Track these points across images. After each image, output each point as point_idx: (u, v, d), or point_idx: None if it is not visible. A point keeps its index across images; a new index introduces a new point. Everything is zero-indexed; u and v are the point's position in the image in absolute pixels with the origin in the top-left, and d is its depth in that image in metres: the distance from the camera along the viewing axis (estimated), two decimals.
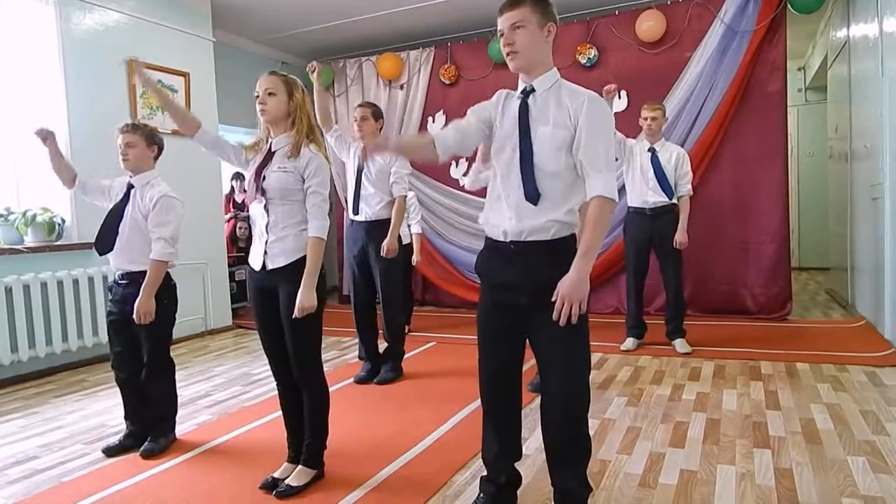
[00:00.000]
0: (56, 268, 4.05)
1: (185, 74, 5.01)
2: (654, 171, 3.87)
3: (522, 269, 1.77)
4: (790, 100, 5.23)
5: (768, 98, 4.86)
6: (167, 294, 2.65)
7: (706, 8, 4.98)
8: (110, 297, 2.71)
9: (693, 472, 2.28)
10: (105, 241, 2.64)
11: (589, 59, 5.35)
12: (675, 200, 3.92)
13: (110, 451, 2.65)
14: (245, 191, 2.30)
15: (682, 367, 3.63)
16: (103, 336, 4.29)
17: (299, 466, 2.25)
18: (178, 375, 3.91)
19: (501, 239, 1.81)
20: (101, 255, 2.70)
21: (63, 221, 4.18)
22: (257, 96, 2.18)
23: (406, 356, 3.85)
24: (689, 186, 3.95)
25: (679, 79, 5.05)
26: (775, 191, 4.86)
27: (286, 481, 2.21)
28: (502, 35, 1.80)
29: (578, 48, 5.35)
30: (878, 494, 2.05)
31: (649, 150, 3.93)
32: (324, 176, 2.20)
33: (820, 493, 2.08)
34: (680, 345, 3.98)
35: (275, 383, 2.36)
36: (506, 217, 1.80)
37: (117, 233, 2.63)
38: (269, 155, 2.21)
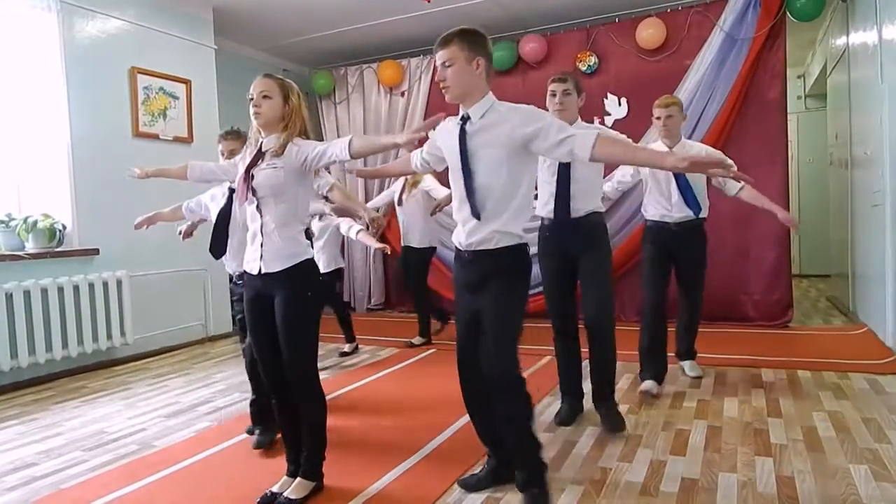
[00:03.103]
0: (57, 274, 4.05)
1: (186, 82, 5.03)
2: (677, 183, 3.20)
3: (474, 271, 2.10)
4: (790, 107, 5.24)
5: (768, 105, 4.87)
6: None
7: (705, 16, 5.00)
8: (234, 298, 2.87)
9: (695, 480, 2.27)
10: (218, 245, 2.69)
11: (589, 66, 5.36)
12: (703, 215, 3.32)
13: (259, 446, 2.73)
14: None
15: (682, 375, 3.61)
16: (103, 343, 4.29)
17: (298, 479, 2.22)
18: (177, 381, 3.94)
19: (461, 248, 2.13)
20: (216, 258, 2.76)
21: (64, 228, 4.19)
22: (251, 99, 2.16)
23: (406, 363, 3.84)
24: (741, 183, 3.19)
25: (679, 86, 5.06)
26: (776, 197, 4.79)
27: (285, 494, 2.17)
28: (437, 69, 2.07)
29: (578, 55, 5.36)
30: (880, 503, 2.04)
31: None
32: (311, 142, 2.16)
33: (822, 501, 2.07)
34: (689, 367, 3.62)
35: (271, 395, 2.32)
36: (461, 231, 2.11)
37: (227, 236, 2.66)
38: (259, 154, 2.18)
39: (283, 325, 2.14)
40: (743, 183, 3.11)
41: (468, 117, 2.05)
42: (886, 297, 4.00)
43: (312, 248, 2.31)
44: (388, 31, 5.90)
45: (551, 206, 2.77)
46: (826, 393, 3.20)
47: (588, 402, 2.94)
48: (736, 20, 4.85)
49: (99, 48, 4.43)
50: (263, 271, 2.16)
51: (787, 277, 4.91)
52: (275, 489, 2.24)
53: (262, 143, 2.20)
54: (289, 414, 2.27)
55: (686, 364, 3.63)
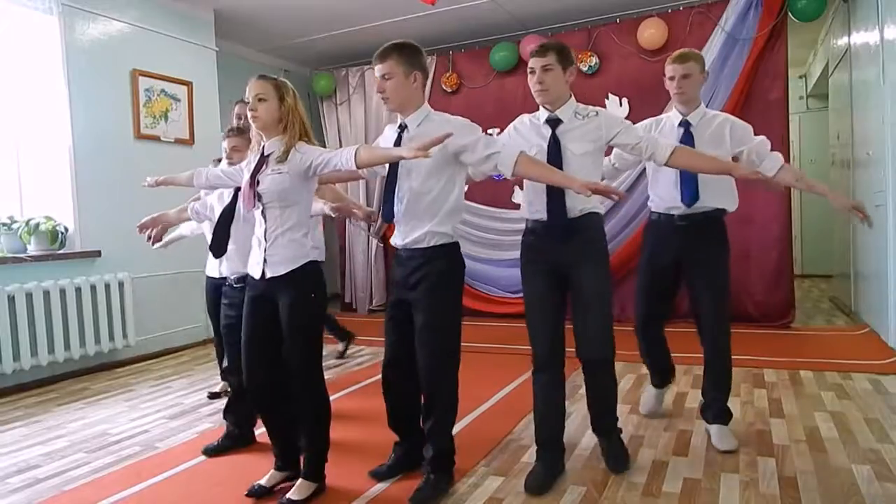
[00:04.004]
0: (59, 276, 4.05)
1: (188, 83, 5.04)
2: None
3: (409, 268, 2.23)
4: (792, 107, 5.23)
5: (770, 106, 4.86)
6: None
7: (707, 16, 5.00)
8: (226, 302, 2.71)
9: (697, 480, 2.26)
10: (220, 244, 2.63)
11: (590, 66, 5.36)
12: (725, 206, 2.60)
13: (209, 452, 2.70)
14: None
15: (685, 375, 3.61)
16: (106, 344, 4.30)
17: (300, 480, 2.21)
18: (180, 383, 3.95)
19: (399, 248, 2.27)
20: (216, 258, 2.73)
21: (66, 230, 4.19)
22: (247, 102, 2.16)
23: None
24: (779, 156, 2.45)
25: None
26: (777, 198, 4.85)
27: (287, 496, 2.17)
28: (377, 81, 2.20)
29: (580, 56, 5.36)
30: (882, 503, 2.03)
31: (681, 124, 2.56)
32: (315, 148, 2.15)
33: (824, 501, 2.07)
34: (717, 434, 2.56)
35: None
36: (398, 232, 2.26)
37: (229, 235, 2.62)
38: (263, 159, 2.18)
39: (288, 327, 2.14)
40: (782, 161, 2.45)
41: (405, 126, 2.23)
42: (889, 298, 4.00)
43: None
44: (389, 32, 5.89)
45: (539, 205, 2.28)
46: (828, 393, 3.20)
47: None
48: (737, 20, 4.84)
49: (100, 50, 4.44)
50: (268, 276, 2.16)
51: (789, 277, 4.91)
52: (262, 482, 2.27)
53: (264, 146, 2.20)
54: (277, 414, 2.29)
55: (713, 429, 2.60)
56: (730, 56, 4.88)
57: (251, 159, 2.25)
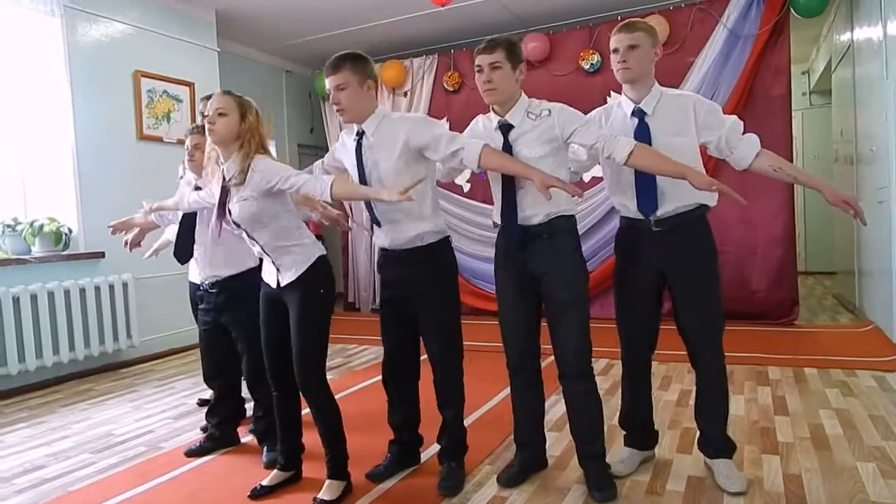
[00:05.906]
0: (63, 277, 4.07)
1: (189, 84, 5.05)
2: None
3: (405, 266, 2.24)
4: (794, 104, 5.22)
5: (772, 102, 4.85)
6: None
7: (709, 13, 4.99)
8: (202, 307, 2.68)
9: (701, 478, 2.26)
10: (183, 250, 2.61)
11: (592, 64, 5.35)
12: (706, 201, 2.15)
13: (192, 453, 2.70)
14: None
15: (689, 373, 3.59)
16: (110, 345, 4.31)
17: (327, 481, 2.22)
18: (184, 383, 3.96)
19: (389, 248, 2.27)
20: (181, 264, 2.68)
21: (70, 231, 4.21)
22: (206, 115, 2.10)
23: None
24: (755, 140, 2.15)
25: (682, 84, 5.04)
26: (781, 195, 4.84)
27: (319, 496, 2.18)
28: (330, 93, 2.15)
29: (581, 54, 5.35)
30: (887, 501, 2.03)
31: (634, 113, 2.17)
32: (276, 168, 2.09)
33: (829, 499, 2.07)
34: (723, 472, 2.19)
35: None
36: (381, 234, 2.26)
37: (193, 241, 2.60)
38: (225, 190, 2.14)
39: (295, 323, 2.15)
40: (759, 147, 2.12)
41: (363, 132, 2.19)
42: (893, 294, 3.99)
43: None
44: (390, 31, 5.90)
45: (500, 210, 2.20)
46: (833, 390, 3.19)
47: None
48: (739, 17, 4.83)
49: (102, 52, 4.45)
50: (283, 284, 2.18)
51: (792, 274, 4.90)
52: (265, 482, 2.29)
53: (223, 171, 2.15)
54: (288, 406, 2.33)
55: (718, 465, 2.22)
56: (732, 53, 4.87)
57: (213, 184, 2.20)
